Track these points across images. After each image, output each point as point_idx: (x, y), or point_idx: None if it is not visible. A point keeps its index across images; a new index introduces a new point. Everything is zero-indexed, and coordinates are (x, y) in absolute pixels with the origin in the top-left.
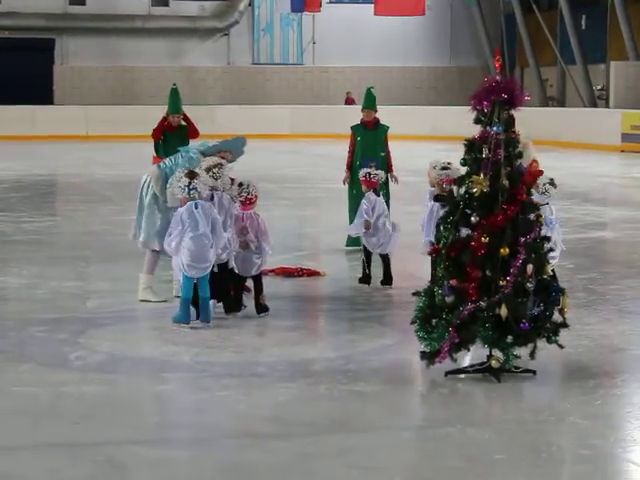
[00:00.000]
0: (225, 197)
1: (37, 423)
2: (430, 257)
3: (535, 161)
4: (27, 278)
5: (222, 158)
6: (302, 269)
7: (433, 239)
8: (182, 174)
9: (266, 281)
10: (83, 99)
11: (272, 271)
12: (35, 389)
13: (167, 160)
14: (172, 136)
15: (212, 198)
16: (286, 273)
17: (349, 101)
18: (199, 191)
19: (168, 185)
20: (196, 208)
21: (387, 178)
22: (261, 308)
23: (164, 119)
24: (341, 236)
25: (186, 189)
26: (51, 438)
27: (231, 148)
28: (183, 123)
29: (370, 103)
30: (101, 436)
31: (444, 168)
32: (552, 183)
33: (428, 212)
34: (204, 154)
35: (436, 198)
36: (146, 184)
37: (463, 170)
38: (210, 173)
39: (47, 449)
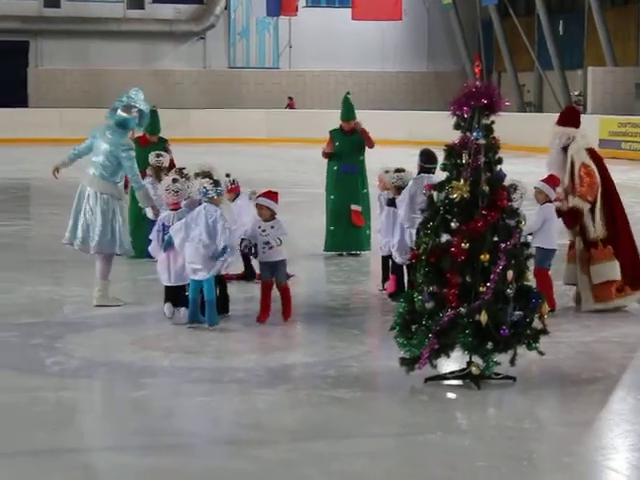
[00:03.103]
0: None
1: (13, 430)
2: (407, 263)
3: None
4: (1, 282)
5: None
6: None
7: (394, 242)
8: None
9: (242, 285)
10: (57, 102)
11: (237, 276)
12: (11, 395)
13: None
14: (146, 150)
15: (200, 203)
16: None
17: (291, 106)
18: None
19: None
20: (205, 208)
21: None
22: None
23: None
24: (319, 241)
25: (209, 192)
26: (27, 445)
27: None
28: (164, 140)
29: (350, 114)
30: (78, 442)
31: (398, 171)
32: (514, 188)
33: (385, 215)
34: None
35: (391, 202)
36: (89, 194)
37: (414, 174)
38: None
39: (23, 456)
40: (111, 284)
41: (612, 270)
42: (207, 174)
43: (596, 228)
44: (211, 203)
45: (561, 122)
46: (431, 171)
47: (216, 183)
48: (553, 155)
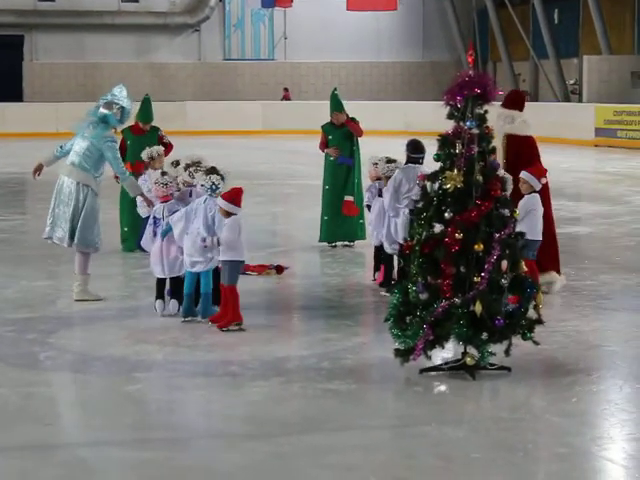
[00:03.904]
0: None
1: (7, 424)
2: (399, 254)
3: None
4: None
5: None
6: (263, 266)
7: (383, 232)
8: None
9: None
10: (53, 96)
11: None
12: (5, 390)
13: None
14: (140, 139)
15: (190, 194)
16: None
17: (286, 97)
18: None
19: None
20: (204, 202)
21: (355, 171)
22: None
23: (122, 141)
24: (314, 232)
25: (213, 186)
26: (22, 440)
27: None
28: (153, 124)
29: (338, 106)
30: (73, 437)
31: (389, 161)
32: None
33: (378, 206)
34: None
35: (381, 193)
36: (67, 185)
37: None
38: (188, 171)
39: (18, 451)
40: (91, 278)
41: None
42: (213, 169)
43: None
44: (213, 197)
45: (505, 105)
46: (418, 161)
47: (222, 177)
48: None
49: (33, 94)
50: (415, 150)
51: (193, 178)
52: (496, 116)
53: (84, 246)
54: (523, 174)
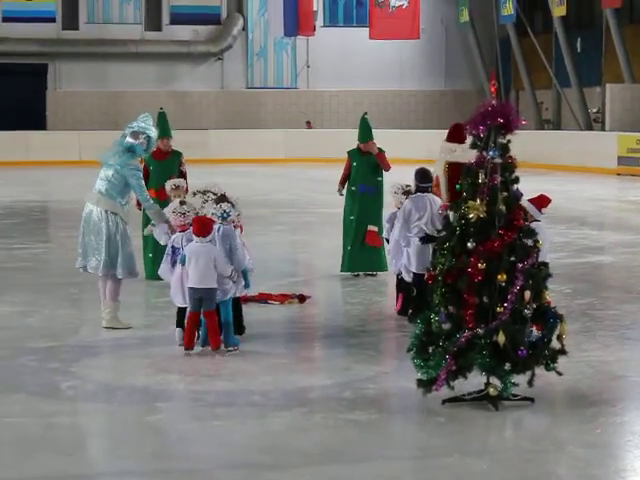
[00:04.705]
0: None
1: (28, 454)
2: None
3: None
4: (19, 306)
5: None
6: (285, 295)
7: (403, 261)
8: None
9: (258, 307)
10: (76, 124)
11: (254, 298)
12: (26, 419)
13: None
14: (162, 164)
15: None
16: (263, 299)
17: (309, 127)
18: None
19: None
20: (218, 231)
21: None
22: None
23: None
24: (336, 261)
25: (225, 214)
26: (43, 470)
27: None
28: (175, 149)
29: (366, 135)
30: (94, 467)
31: (405, 192)
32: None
33: (395, 235)
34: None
35: None
36: (94, 213)
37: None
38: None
39: None
40: (121, 305)
41: None
42: (223, 197)
43: None
44: (225, 226)
45: (447, 139)
46: (426, 190)
47: (233, 205)
48: (438, 169)
49: (56, 122)
50: (423, 179)
51: (203, 208)
52: (439, 151)
53: (129, 273)
54: (525, 203)
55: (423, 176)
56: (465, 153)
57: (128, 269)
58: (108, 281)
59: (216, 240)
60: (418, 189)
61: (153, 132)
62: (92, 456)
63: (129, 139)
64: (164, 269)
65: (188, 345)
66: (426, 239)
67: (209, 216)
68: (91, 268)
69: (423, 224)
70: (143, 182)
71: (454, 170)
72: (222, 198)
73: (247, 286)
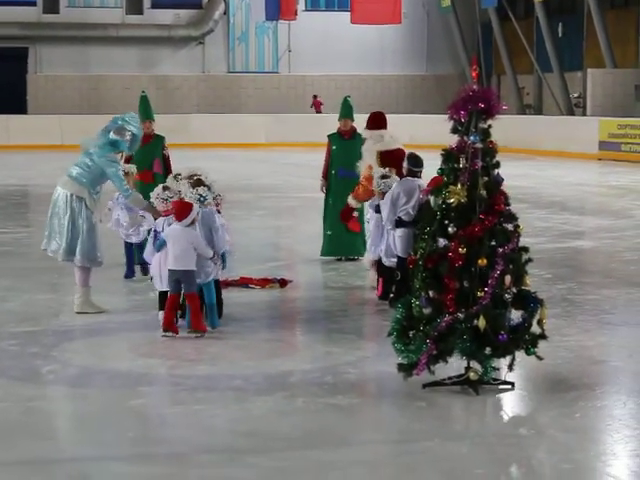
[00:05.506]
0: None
1: (8, 439)
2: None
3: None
4: None
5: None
6: (266, 279)
7: (382, 247)
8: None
9: (240, 291)
10: (57, 108)
11: (235, 282)
12: (6, 404)
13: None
14: (145, 148)
15: None
16: (244, 283)
17: (316, 105)
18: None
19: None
20: (198, 215)
21: None
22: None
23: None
24: (317, 246)
25: (201, 198)
26: (23, 454)
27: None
28: (157, 133)
29: (347, 112)
30: (75, 452)
31: (383, 177)
32: (384, 176)
33: (374, 222)
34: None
35: (378, 209)
36: (60, 197)
37: (396, 178)
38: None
39: (18, 466)
40: (94, 290)
41: None
42: (199, 181)
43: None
44: (204, 209)
45: (369, 127)
46: (417, 175)
47: (209, 188)
48: (366, 156)
49: (37, 106)
50: (417, 164)
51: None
52: (366, 139)
53: (88, 261)
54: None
55: (417, 160)
56: (392, 140)
57: (88, 257)
58: (75, 267)
59: (196, 224)
60: (410, 173)
61: (138, 130)
62: (73, 440)
63: (114, 135)
64: (148, 252)
65: (166, 326)
66: (399, 224)
67: (187, 200)
68: (51, 251)
69: (410, 208)
70: (121, 173)
71: (385, 158)
72: (198, 182)
73: (224, 267)
